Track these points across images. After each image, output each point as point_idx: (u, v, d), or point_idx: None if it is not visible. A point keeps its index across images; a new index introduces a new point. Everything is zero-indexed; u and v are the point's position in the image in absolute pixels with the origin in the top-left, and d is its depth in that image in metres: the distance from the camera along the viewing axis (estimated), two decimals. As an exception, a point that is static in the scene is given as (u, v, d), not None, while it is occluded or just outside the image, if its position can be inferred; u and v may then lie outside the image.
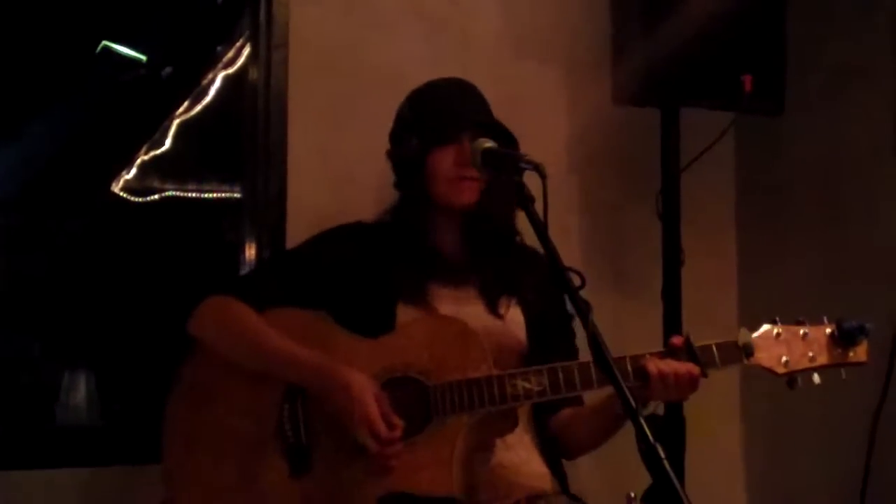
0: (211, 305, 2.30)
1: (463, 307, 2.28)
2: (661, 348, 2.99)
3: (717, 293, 3.48)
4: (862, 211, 3.19)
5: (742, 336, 2.12)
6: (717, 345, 2.12)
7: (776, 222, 3.47)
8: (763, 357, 2.12)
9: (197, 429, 2.25)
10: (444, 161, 2.31)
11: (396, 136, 2.44)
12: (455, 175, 2.30)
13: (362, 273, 2.31)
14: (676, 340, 2.14)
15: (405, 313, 2.25)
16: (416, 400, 2.13)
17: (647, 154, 3.17)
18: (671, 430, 2.90)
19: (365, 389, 2.09)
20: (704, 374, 2.10)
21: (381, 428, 2.06)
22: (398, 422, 2.09)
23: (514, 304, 2.32)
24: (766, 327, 2.13)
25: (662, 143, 3.09)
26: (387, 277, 2.29)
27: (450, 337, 2.17)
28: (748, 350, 2.11)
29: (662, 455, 1.63)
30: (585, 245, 3.24)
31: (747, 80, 2.95)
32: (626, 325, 3.04)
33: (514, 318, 2.32)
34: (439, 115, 2.36)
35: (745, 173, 3.56)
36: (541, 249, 1.94)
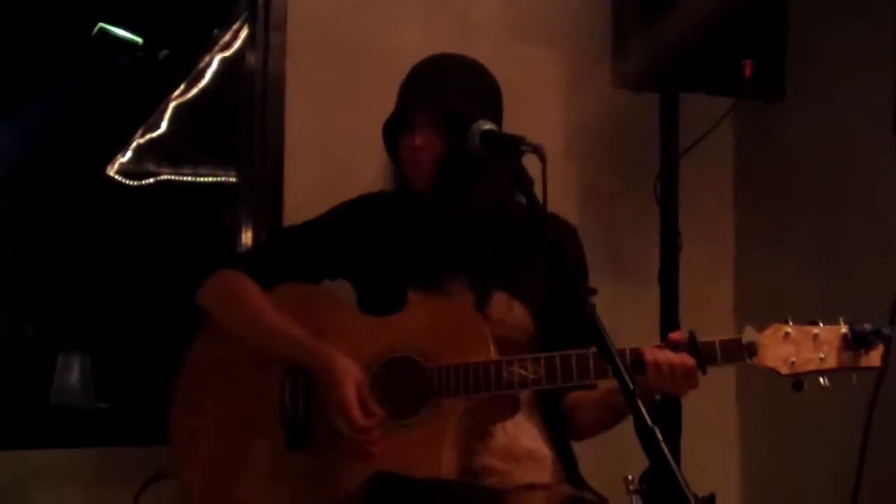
0: (218, 279, 2.32)
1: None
2: (657, 332, 3.03)
3: (713, 278, 3.48)
4: (859, 197, 3.19)
5: (747, 334, 2.04)
6: (721, 341, 2.05)
7: (773, 208, 3.46)
8: (767, 357, 2.03)
9: (202, 401, 2.27)
10: (404, 149, 2.31)
11: None
12: (409, 160, 2.29)
13: (377, 248, 2.31)
14: (675, 335, 2.08)
15: (415, 295, 2.22)
16: (413, 380, 2.12)
17: (645, 139, 3.16)
18: (667, 412, 2.90)
19: (346, 375, 2.09)
20: (703, 371, 2.04)
21: (356, 415, 2.06)
22: (376, 410, 2.08)
23: (515, 300, 2.26)
24: (774, 326, 2.05)
25: (661, 128, 3.08)
26: (401, 256, 2.28)
27: (453, 320, 2.16)
28: (752, 349, 2.03)
29: (660, 438, 1.61)
30: (583, 229, 3.20)
31: (747, 66, 2.94)
32: (622, 309, 3.03)
33: (519, 313, 2.26)
34: (399, 101, 2.35)
35: (743, 158, 3.55)
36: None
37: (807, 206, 3.36)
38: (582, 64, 3.26)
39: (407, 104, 2.31)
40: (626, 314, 2.97)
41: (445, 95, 2.27)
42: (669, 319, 3.01)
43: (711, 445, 3.35)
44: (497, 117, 2.29)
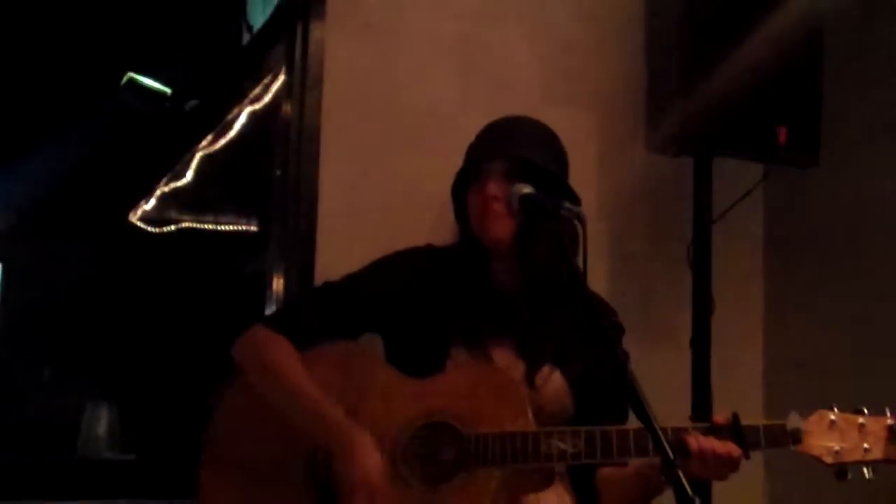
0: (253, 336, 2.27)
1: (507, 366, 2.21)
2: (688, 397, 3.00)
3: (743, 343, 3.46)
4: (891, 265, 3.17)
5: (791, 421, 2.02)
6: (765, 427, 2.02)
7: (805, 274, 3.44)
8: (812, 445, 2.01)
9: (232, 455, 2.23)
10: (475, 200, 2.27)
11: None
12: (481, 210, 2.24)
13: (420, 305, 2.26)
14: (720, 418, 2.04)
15: (457, 357, 2.20)
16: (450, 446, 2.09)
17: (678, 203, 3.16)
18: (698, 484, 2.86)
19: (369, 456, 2.05)
20: (747, 456, 2.00)
21: (378, 500, 2.02)
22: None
23: (557, 372, 2.22)
24: (819, 412, 2.03)
25: (695, 192, 3.08)
26: (444, 316, 2.24)
27: (492, 387, 2.12)
28: (796, 436, 2.01)
29: (700, 507, 1.61)
30: (614, 292, 3.20)
31: (782, 132, 2.94)
32: (652, 373, 2.98)
33: (557, 386, 2.22)
34: (470, 154, 2.33)
35: (775, 224, 3.54)
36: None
37: (838, 272, 3.34)
38: (616, 127, 3.26)
39: (480, 155, 2.28)
40: (656, 378, 2.93)
41: (520, 146, 2.25)
42: (701, 385, 2.98)
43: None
44: (565, 177, 2.30)
